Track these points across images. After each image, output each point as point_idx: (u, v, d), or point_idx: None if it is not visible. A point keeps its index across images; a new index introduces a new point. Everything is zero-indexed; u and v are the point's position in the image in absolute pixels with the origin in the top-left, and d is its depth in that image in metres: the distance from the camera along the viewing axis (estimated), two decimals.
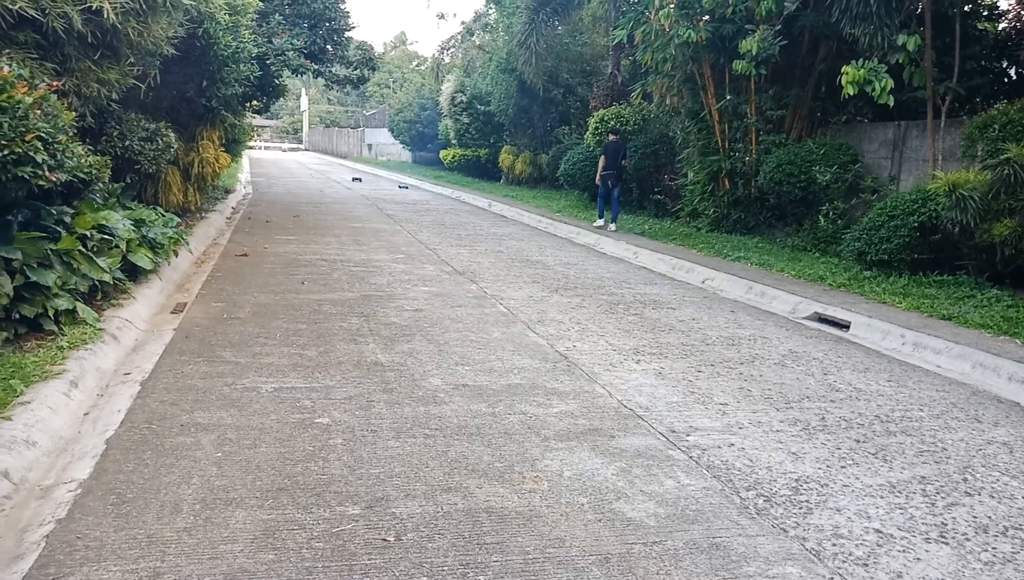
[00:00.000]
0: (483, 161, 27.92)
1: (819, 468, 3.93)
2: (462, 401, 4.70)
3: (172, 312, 6.79)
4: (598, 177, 14.59)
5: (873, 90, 9.37)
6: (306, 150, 68.84)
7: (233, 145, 16.32)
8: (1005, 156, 7.78)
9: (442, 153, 31.41)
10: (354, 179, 28.38)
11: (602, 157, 14.57)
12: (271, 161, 43.43)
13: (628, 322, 7.08)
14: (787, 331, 7.04)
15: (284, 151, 65.79)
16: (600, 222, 14.36)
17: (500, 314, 7.18)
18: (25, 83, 5.58)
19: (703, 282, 9.47)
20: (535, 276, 9.40)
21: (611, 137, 14.91)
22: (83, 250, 6.01)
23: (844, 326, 7.22)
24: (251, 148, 42.80)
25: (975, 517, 3.45)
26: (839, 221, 10.81)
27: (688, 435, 4.32)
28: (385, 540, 3.03)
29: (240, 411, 4.36)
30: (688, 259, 10.47)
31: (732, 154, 12.80)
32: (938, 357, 6.16)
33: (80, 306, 5.59)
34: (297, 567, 2.81)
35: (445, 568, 2.85)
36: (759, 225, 12.83)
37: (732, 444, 4.21)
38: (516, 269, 9.88)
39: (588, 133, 17.10)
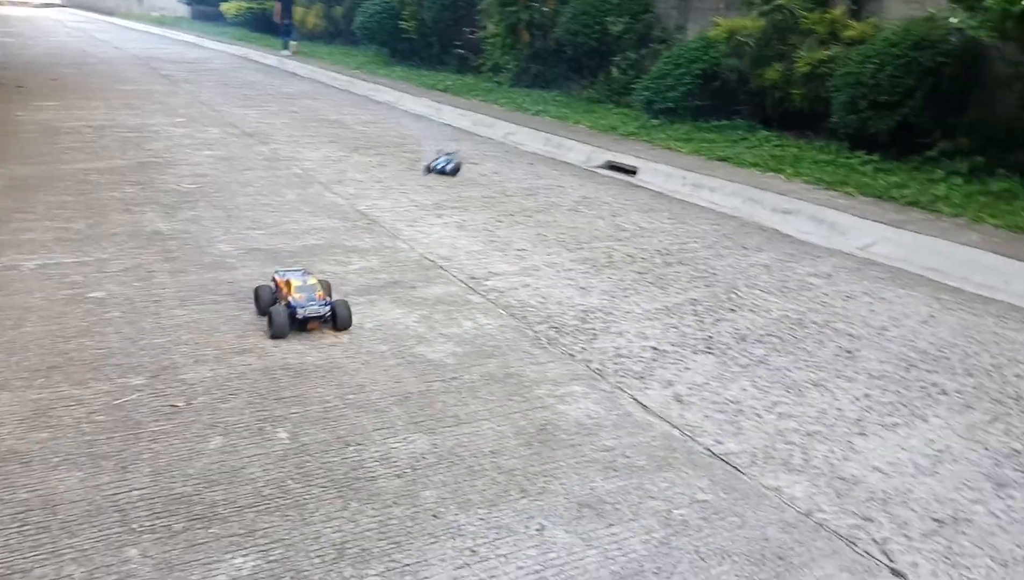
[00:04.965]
0: (271, 15, 25.62)
1: (604, 299, 4.21)
2: (255, 265, 4.50)
3: None
4: (277, 17, 19.94)
5: None
6: (63, 7, 59.63)
7: None
8: (777, 2, 8.25)
9: (223, 7, 28.31)
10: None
11: (278, 4, 19.86)
12: (21, 19, 37.36)
13: (430, 179, 7.02)
14: (581, 180, 7.31)
15: (36, 7, 56.72)
16: (286, 52, 18.97)
17: (294, 176, 6.85)
18: None
19: (504, 137, 9.52)
20: (332, 136, 8.99)
21: None
22: None
23: (632, 172, 7.60)
24: None
25: (736, 329, 3.88)
26: (631, 71, 11.11)
27: (487, 280, 4.44)
28: (174, 406, 2.90)
29: (0, 291, 3.92)
30: (490, 115, 10.43)
31: (531, 4, 12.63)
32: (714, 195, 6.68)
33: None
34: (76, 442, 2.64)
35: (241, 425, 2.80)
36: (557, 78, 12.93)
37: (527, 285, 4.39)
38: (311, 129, 9.39)
39: None
